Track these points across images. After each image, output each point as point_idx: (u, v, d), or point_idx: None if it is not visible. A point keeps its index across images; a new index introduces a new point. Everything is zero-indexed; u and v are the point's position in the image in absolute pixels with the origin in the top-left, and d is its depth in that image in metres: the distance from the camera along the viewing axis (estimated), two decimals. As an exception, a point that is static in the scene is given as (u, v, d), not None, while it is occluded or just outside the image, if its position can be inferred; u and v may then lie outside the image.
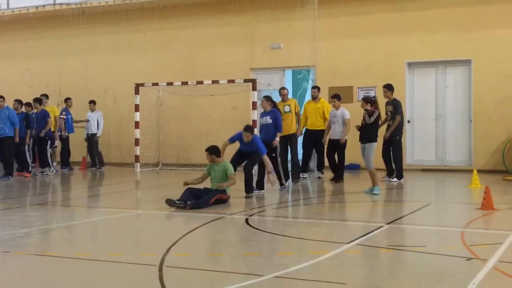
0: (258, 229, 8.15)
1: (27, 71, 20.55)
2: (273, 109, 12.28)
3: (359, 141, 11.64)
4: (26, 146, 15.93)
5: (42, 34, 20.35)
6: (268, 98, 12.39)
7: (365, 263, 6.30)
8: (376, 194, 11.20)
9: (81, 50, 19.70)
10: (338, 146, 13.51)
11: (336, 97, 13.59)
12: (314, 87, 14.59)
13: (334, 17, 17.02)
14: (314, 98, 14.27)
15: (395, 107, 13.20)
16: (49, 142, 16.44)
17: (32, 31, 20.40)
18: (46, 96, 17.39)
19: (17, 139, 15.18)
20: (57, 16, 19.81)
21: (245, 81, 16.15)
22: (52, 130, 16.72)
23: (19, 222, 8.84)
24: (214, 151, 10.54)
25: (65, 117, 17.33)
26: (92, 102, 17.98)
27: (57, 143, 17.43)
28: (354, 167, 16.04)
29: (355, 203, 10.79)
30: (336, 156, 13.73)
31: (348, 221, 9.06)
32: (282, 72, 17.79)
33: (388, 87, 13.49)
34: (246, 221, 8.61)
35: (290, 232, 7.95)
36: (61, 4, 19.41)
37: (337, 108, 13.51)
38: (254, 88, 15.58)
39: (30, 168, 15.85)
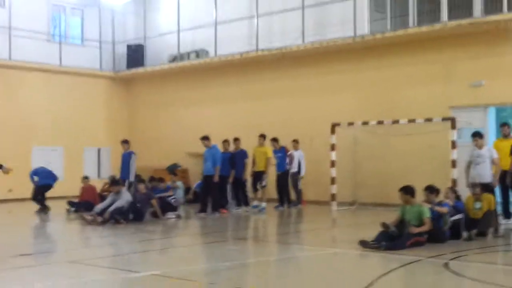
0: (459, 275, 7.74)
1: (231, 113, 21.85)
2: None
3: None
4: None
5: (245, 78, 21.57)
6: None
7: None
8: None
9: (281, 92, 20.53)
10: (487, 190, 11.93)
11: (477, 135, 12.61)
12: (503, 124, 13.59)
13: (543, 50, 15.85)
14: (505, 135, 13.27)
15: None
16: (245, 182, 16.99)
17: (236, 76, 21.73)
18: (263, 136, 17.67)
19: (216, 178, 15.68)
20: (259, 61, 20.91)
21: (443, 119, 15.64)
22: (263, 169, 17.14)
23: (221, 256, 9.37)
24: (409, 192, 10.28)
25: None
26: (295, 141, 18.38)
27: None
28: None
29: None
30: None
31: None
32: (484, 109, 16.90)
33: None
34: (446, 265, 8.22)
35: (496, 281, 7.42)
36: (263, 50, 20.46)
37: (480, 147, 12.47)
38: (453, 127, 15.05)
39: (227, 205, 16.51)
